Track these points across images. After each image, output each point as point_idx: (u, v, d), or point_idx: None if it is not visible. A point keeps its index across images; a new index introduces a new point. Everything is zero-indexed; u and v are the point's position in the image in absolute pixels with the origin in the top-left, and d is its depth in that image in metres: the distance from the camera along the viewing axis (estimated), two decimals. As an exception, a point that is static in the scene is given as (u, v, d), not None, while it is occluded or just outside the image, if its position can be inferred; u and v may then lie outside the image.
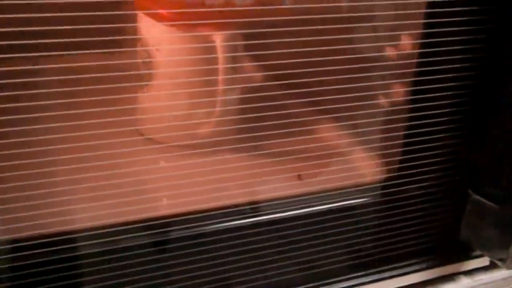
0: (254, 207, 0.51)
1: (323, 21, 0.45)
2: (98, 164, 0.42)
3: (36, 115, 0.39)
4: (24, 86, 0.38)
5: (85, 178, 0.42)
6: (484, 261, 0.58)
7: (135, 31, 0.54)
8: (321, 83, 0.46)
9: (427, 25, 0.49)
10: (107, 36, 0.40)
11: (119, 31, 0.43)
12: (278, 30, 0.44)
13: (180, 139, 0.50)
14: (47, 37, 0.38)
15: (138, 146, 0.48)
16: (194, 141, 0.49)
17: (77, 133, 0.41)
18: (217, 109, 0.53)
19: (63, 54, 0.42)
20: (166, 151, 0.50)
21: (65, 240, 0.44)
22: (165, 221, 0.47)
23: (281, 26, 0.44)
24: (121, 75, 0.42)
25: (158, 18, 0.52)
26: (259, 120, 0.46)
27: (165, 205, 0.48)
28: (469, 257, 0.58)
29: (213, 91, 0.52)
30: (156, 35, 0.53)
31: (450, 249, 0.57)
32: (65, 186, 0.43)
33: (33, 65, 0.39)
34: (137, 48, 0.54)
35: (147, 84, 0.55)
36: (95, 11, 0.39)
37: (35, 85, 0.40)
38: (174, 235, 0.48)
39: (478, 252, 0.57)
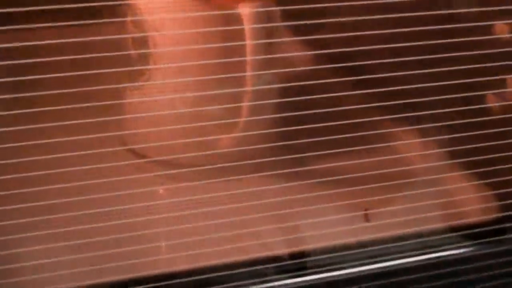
0: (299, 263, 0.46)
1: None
2: (74, 199, 0.38)
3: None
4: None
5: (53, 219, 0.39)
6: None
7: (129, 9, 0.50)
8: (401, 80, 0.43)
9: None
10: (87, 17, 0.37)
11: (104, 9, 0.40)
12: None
13: (192, 162, 0.45)
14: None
15: (131, 173, 0.44)
16: (211, 166, 0.44)
17: (40, 157, 0.37)
18: (244, 118, 0.47)
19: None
20: (170, 179, 0.46)
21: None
22: (170, 282, 0.43)
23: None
24: (105, 72, 0.38)
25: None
26: (306, 134, 0.42)
27: (169, 259, 0.45)
28: None
29: (239, 93, 0.47)
30: (160, 12, 0.48)
31: None
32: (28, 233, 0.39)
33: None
34: (133, 35, 0.49)
35: (143, 85, 0.49)
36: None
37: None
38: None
39: None
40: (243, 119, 0.48)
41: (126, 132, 0.48)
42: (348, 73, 0.45)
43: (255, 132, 0.48)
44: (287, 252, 0.45)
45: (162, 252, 0.44)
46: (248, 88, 0.47)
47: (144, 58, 0.49)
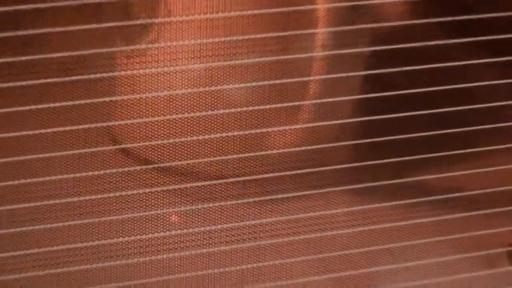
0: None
1: None
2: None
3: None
4: None
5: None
6: None
7: None
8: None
9: None
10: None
11: None
12: None
13: (226, 172, 0.38)
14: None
15: (126, 185, 0.36)
16: (258, 175, 0.36)
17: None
18: (307, 101, 0.39)
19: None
20: (191, 197, 0.38)
21: None
22: None
23: None
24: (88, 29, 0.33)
25: None
26: (402, 129, 0.35)
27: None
28: None
29: (298, 64, 0.38)
30: None
31: None
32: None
33: None
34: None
35: (147, 49, 0.38)
36: None
37: None
38: None
39: None
40: (307, 102, 0.37)
41: (117, 122, 0.37)
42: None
43: (320, 123, 0.37)
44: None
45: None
46: (319, 53, 0.36)
47: (151, 7, 0.38)
